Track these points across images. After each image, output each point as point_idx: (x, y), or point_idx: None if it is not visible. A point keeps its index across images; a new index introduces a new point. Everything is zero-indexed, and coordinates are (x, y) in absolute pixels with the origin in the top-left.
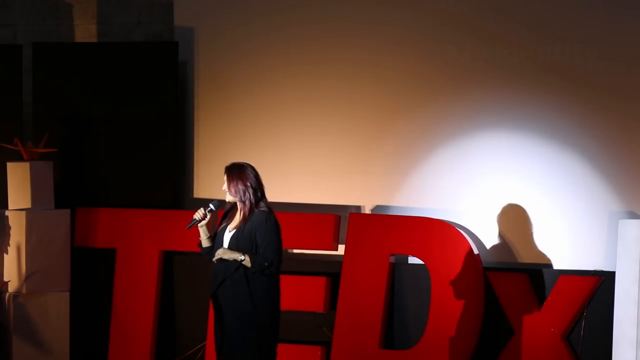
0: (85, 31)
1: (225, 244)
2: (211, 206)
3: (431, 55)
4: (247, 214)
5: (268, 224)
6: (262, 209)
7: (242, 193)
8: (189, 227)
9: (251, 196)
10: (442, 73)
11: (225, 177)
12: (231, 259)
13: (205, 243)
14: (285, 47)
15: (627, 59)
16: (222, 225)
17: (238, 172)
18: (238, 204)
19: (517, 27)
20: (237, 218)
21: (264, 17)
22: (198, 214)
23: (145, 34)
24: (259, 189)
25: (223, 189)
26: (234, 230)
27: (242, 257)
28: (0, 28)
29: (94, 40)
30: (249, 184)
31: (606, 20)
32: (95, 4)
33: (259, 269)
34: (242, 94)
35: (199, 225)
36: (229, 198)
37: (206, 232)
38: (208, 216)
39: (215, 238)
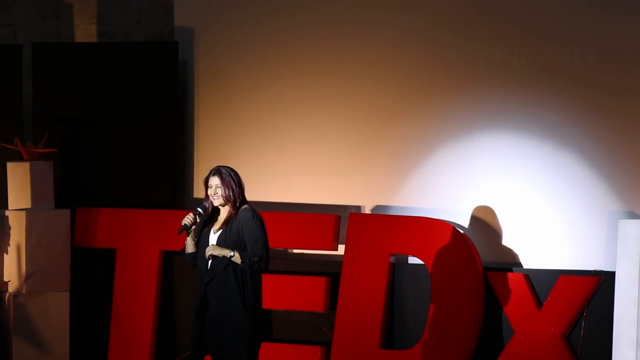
0: (85, 31)
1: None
2: (199, 210)
3: (431, 56)
4: (232, 214)
5: (255, 221)
6: (246, 207)
7: (233, 196)
8: (180, 233)
9: (238, 199)
10: (442, 74)
11: (217, 181)
12: (220, 256)
13: (191, 248)
14: (285, 47)
15: (626, 59)
16: (205, 229)
17: (229, 176)
18: (224, 206)
19: (517, 28)
20: (221, 220)
21: (264, 18)
22: (187, 219)
23: (145, 34)
24: (243, 192)
25: (211, 192)
26: (220, 230)
27: (232, 253)
28: (0, 28)
29: (94, 40)
30: (238, 189)
31: (605, 21)
32: (95, 4)
33: (248, 265)
34: (242, 94)
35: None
36: (218, 202)
37: (193, 237)
38: (198, 220)
39: (199, 243)
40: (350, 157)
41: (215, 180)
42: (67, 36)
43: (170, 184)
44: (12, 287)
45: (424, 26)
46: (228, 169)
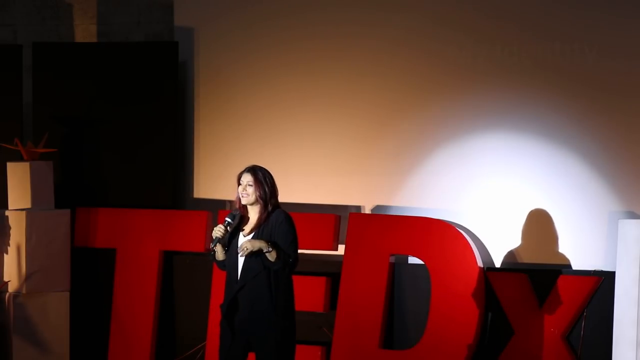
0: (85, 31)
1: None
2: (229, 220)
3: (431, 55)
4: (265, 215)
5: (288, 222)
6: (278, 210)
7: (264, 197)
8: (214, 246)
9: (270, 201)
10: (443, 73)
11: (249, 178)
12: (256, 249)
13: (222, 256)
14: (285, 46)
15: (627, 58)
16: (234, 234)
17: (263, 176)
18: (256, 207)
19: (517, 26)
20: (252, 222)
21: (264, 17)
22: (219, 232)
23: (145, 34)
24: (276, 195)
25: (241, 190)
26: (251, 234)
27: (269, 249)
28: (0, 28)
29: (94, 40)
30: (270, 190)
31: (606, 19)
32: (95, 4)
33: (281, 265)
34: (242, 93)
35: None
36: (247, 200)
37: (224, 245)
38: (228, 230)
39: (229, 249)
40: (350, 157)
41: (247, 178)
42: (67, 36)
43: (170, 184)
44: (12, 287)
45: (424, 25)
46: (263, 170)
